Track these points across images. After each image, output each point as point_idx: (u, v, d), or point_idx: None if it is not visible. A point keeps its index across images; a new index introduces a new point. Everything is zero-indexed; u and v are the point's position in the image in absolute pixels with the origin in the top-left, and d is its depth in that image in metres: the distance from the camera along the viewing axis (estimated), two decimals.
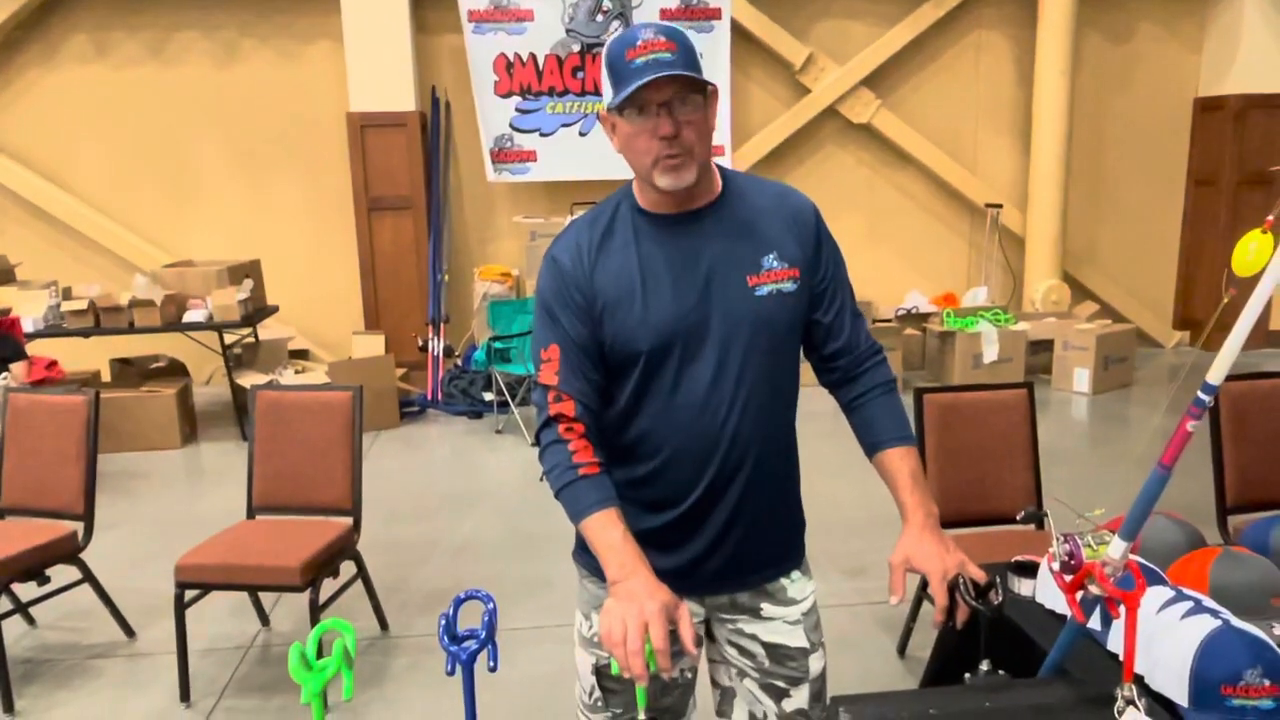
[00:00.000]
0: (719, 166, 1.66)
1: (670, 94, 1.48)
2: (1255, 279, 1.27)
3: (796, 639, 1.73)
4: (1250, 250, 2.88)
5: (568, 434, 1.57)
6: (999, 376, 6.58)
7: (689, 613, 1.47)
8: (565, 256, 1.61)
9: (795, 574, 1.76)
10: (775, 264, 1.61)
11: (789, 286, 1.62)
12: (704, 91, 1.52)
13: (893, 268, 7.82)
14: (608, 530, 1.51)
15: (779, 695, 1.74)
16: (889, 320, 7.41)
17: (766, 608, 1.73)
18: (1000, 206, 7.72)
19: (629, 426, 1.64)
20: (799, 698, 1.74)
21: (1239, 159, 7.64)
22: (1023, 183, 7.75)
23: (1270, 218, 2.87)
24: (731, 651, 1.76)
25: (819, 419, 1.77)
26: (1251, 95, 7.58)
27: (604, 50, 1.54)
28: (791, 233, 1.64)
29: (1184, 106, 7.98)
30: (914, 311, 7.51)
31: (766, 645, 1.73)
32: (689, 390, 1.59)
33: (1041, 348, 7.12)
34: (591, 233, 1.63)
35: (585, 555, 1.70)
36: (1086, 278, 8.00)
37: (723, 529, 1.66)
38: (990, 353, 6.83)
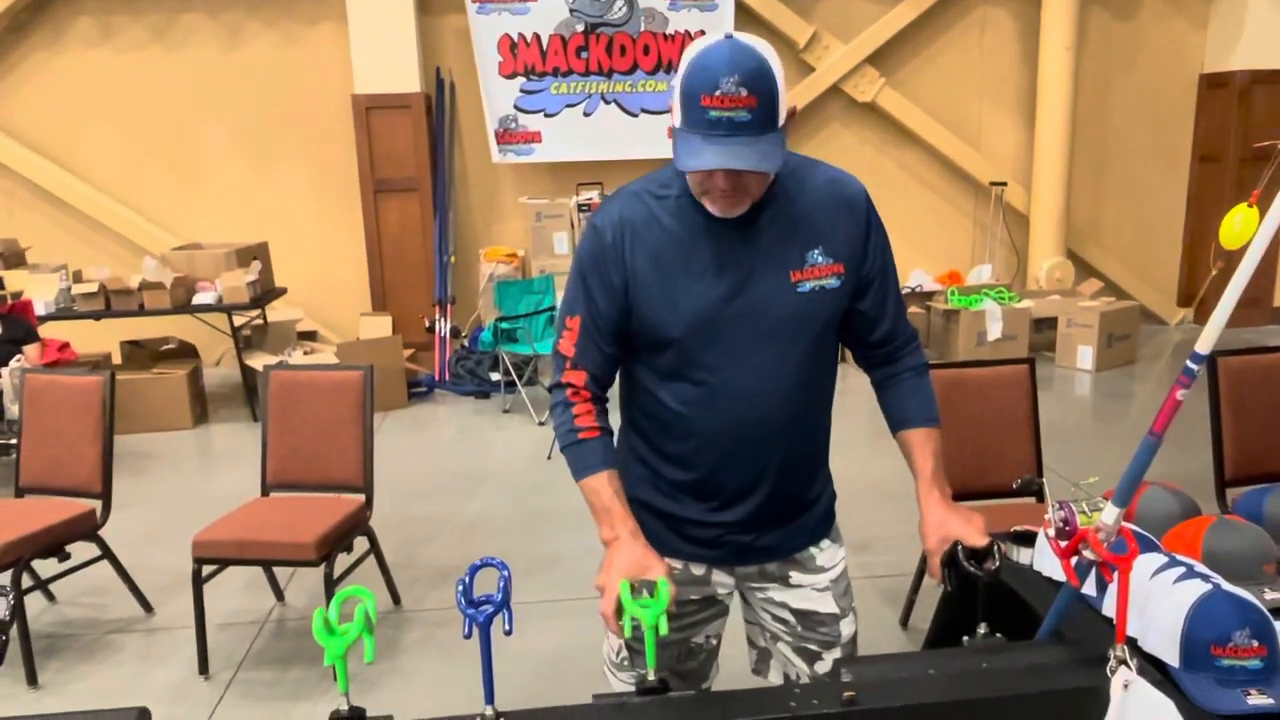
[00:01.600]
0: None
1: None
2: (1242, 252, 1.31)
3: (826, 605, 1.78)
4: (1236, 223, 2.92)
5: (574, 397, 1.66)
6: (1003, 354, 6.61)
7: (662, 572, 1.53)
8: (607, 228, 1.60)
9: (825, 542, 1.79)
10: (820, 259, 1.61)
11: (832, 283, 1.62)
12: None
13: (897, 246, 7.49)
14: (600, 493, 1.62)
15: (812, 658, 1.79)
16: None
17: (795, 575, 1.77)
18: (1004, 184, 7.72)
19: (665, 408, 1.66)
20: (831, 660, 1.79)
21: (1244, 135, 7.61)
22: (1027, 160, 7.74)
23: (1257, 191, 2.90)
24: (766, 617, 1.82)
25: None
26: (1257, 71, 7.56)
27: (684, 63, 1.43)
28: (841, 225, 1.63)
29: (1189, 83, 7.95)
30: (918, 290, 7.53)
31: (796, 612, 1.78)
32: (725, 380, 1.61)
33: (1045, 325, 7.14)
34: (637, 207, 1.61)
35: None
36: (1090, 255, 8.00)
37: (753, 513, 1.70)
38: (994, 330, 6.85)
